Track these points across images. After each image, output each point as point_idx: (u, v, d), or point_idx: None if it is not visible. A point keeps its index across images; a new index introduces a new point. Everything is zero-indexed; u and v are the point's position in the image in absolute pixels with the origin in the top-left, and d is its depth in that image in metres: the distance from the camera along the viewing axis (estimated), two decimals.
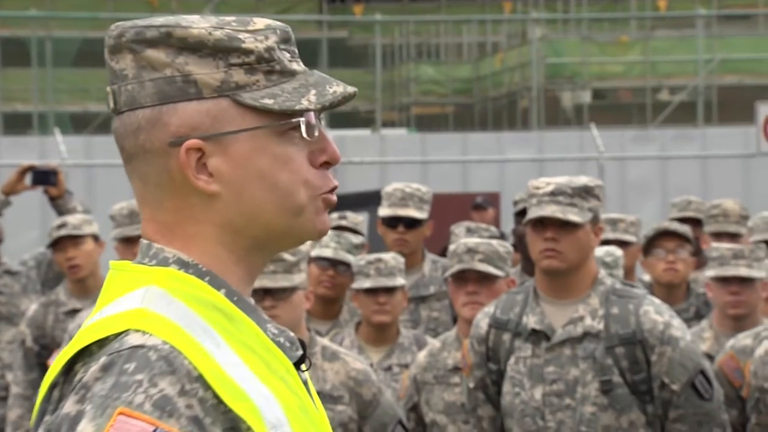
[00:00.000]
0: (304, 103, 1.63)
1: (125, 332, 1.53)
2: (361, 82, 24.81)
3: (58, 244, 6.02)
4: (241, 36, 1.64)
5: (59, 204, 6.73)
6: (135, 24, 1.65)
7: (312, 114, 1.66)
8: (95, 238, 6.00)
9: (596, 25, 25.95)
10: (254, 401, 1.55)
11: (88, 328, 1.58)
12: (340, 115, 23.35)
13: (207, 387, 1.52)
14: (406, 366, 5.13)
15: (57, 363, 1.56)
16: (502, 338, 4.17)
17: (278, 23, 1.70)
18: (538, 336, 4.10)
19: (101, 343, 1.54)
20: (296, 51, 1.71)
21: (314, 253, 5.59)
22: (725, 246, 5.45)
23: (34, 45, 21.15)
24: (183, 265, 1.62)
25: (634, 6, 26.58)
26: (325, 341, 4.55)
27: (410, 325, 5.81)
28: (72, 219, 6.12)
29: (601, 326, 4.04)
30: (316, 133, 1.66)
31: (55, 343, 5.58)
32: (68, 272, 6.01)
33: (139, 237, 5.43)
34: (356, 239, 5.87)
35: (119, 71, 1.64)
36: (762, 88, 21.80)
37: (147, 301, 1.58)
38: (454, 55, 26.79)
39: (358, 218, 6.81)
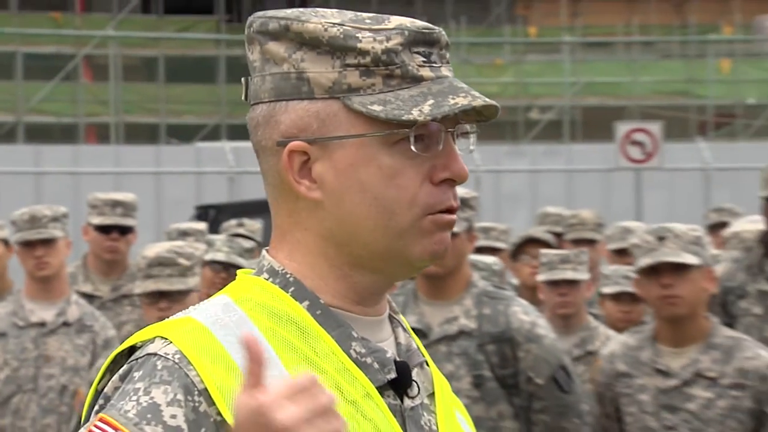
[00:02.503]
0: (414, 114, 1.40)
1: (152, 339, 1.41)
2: None
3: None
4: (360, 35, 1.42)
5: None
6: (264, 14, 1.47)
7: (435, 125, 1.42)
8: (5, 242, 5.89)
9: (474, 49, 26.14)
10: None
11: (137, 333, 1.47)
12: (239, 127, 23.19)
13: (212, 402, 1.37)
14: None
15: (104, 367, 1.46)
16: None
17: (418, 23, 1.46)
18: (416, 334, 4.11)
19: (134, 350, 1.43)
20: (442, 55, 1.46)
21: (208, 257, 5.55)
22: (553, 252, 5.53)
23: None
24: (273, 273, 1.46)
25: (508, 32, 26.86)
26: None
27: None
28: None
29: (474, 325, 4.06)
30: (440, 148, 1.43)
31: None
32: None
33: (40, 241, 5.27)
34: (247, 244, 5.86)
35: (252, 62, 1.48)
36: (620, 108, 22.13)
37: (200, 310, 1.44)
38: None
39: (255, 225, 6.80)
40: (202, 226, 7.28)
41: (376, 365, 1.42)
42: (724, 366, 3.89)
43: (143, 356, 1.39)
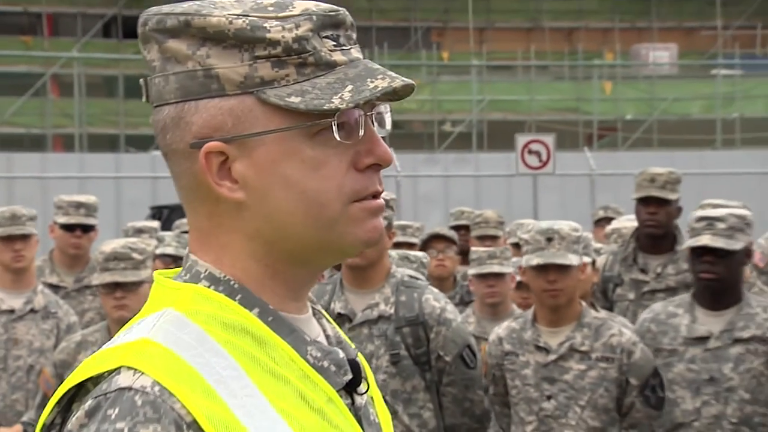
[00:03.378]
0: (335, 102, 1.18)
1: (117, 370, 1.14)
2: None
3: None
4: (267, 24, 1.19)
5: None
6: (159, 11, 1.21)
7: (355, 111, 1.21)
8: None
9: (394, 70, 25.58)
10: None
11: (88, 360, 1.18)
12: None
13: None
14: None
15: (53, 399, 1.17)
16: None
17: (323, 5, 1.23)
18: (342, 318, 4.09)
19: (96, 380, 1.15)
20: (349, 36, 1.24)
21: (159, 251, 5.51)
22: (482, 249, 5.56)
23: None
24: (214, 281, 1.21)
25: (424, 56, 26.96)
26: None
27: None
28: None
29: (392, 311, 4.05)
30: (362, 133, 1.22)
31: None
32: None
33: (19, 236, 5.13)
34: None
35: (150, 62, 1.22)
36: (520, 123, 22.28)
37: (156, 330, 1.17)
38: None
39: None
40: (156, 224, 7.24)
41: (332, 368, 1.23)
42: (594, 342, 3.92)
43: (114, 391, 1.12)
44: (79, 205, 5.72)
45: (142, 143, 22.07)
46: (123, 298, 4.17)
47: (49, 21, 27.14)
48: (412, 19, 29.72)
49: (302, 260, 1.24)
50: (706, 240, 4.00)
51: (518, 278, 5.32)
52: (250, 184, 1.20)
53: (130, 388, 1.12)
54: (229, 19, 1.19)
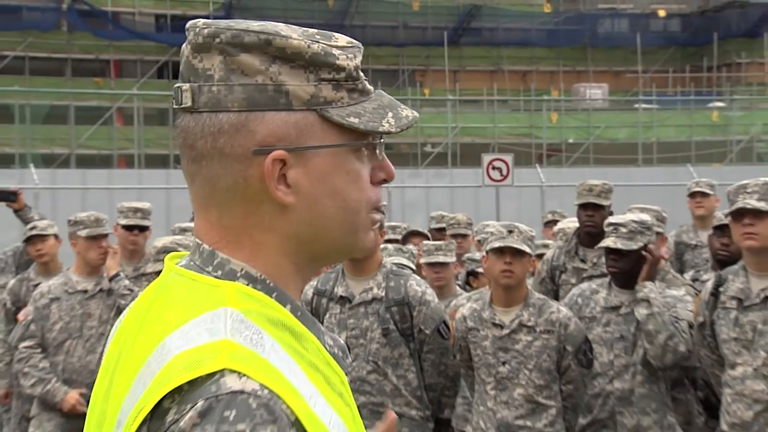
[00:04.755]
0: (386, 125, 1.11)
1: (220, 372, 0.96)
2: None
3: (30, 240, 5.84)
4: (335, 52, 1.09)
5: (20, 215, 6.48)
6: (230, 26, 1.08)
7: (379, 135, 1.14)
8: (56, 236, 5.84)
9: None
10: None
11: (176, 359, 0.98)
12: None
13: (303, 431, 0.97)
14: None
15: (147, 399, 0.97)
16: (321, 301, 4.14)
17: (357, 42, 1.14)
18: (343, 300, 4.09)
19: (192, 383, 0.96)
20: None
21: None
22: (431, 242, 5.46)
23: (17, 108, 20.33)
24: (251, 280, 1.08)
25: (410, 92, 26.98)
26: None
27: None
28: (40, 223, 5.92)
29: (383, 294, 4.04)
30: (382, 152, 1.16)
31: (25, 304, 5.39)
32: (37, 259, 5.83)
33: (103, 235, 5.04)
34: None
35: (202, 70, 1.08)
36: (486, 144, 22.30)
37: (232, 331, 1.00)
38: None
39: None
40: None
41: (341, 354, 1.12)
42: (538, 318, 3.92)
43: (226, 394, 0.94)
44: (136, 210, 5.71)
45: None
46: None
47: (115, 66, 27.20)
48: (400, 63, 29.79)
49: (323, 259, 1.14)
50: (609, 242, 4.06)
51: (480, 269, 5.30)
52: (302, 190, 1.08)
53: (242, 392, 0.95)
54: (307, 43, 1.08)
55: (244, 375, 0.96)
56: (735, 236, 3.80)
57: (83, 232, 5.04)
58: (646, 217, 4.19)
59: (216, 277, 1.07)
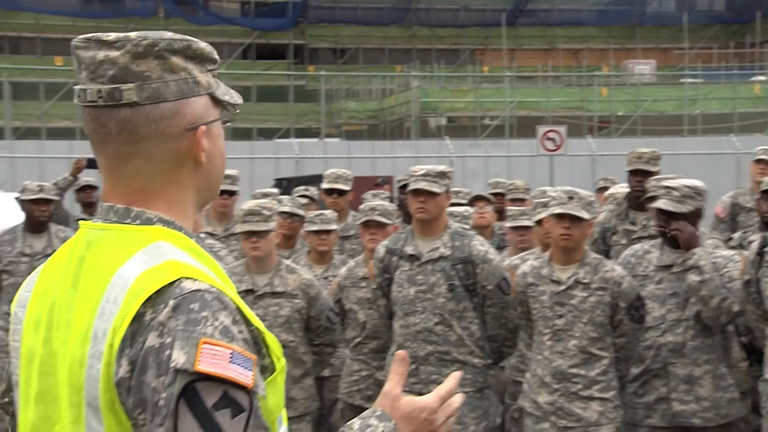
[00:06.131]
0: (236, 98, 1.32)
1: (179, 280, 1.15)
2: (313, 111, 24.60)
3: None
4: (212, 50, 1.32)
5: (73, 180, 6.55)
6: (162, 36, 1.26)
7: None
8: None
9: (448, 79, 25.99)
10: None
11: (140, 279, 1.16)
12: (302, 129, 23.15)
13: (244, 316, 1.17)
14: (335, 276, 5.00)
15: (128, 308, 1.14)
16: (392, 259, 4.13)
17: None
18: (412, 258, 4.07)
19: (158, 292, 1.15)
20: None
21: (280, 209, 5.49)
22: (515, 208, 5.48)
23: None
24: (165, 222, 1.24)
25: (470, 70, 26.73)
26: (287, 261, 4.46)
27: (339, 252, 5.72)
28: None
29: (449, 252, 4.02)
30: None
31: None
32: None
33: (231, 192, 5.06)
34: (303, 201, 5.77)
35: (140, 73, 1.23)
36: (540, 117, 21.99)
37: (173, 254, 1.19)
38: (367, 95, 26.69)
39: (314, 190, 6.77)
40: (276, 191, 7.26)
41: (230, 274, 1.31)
42: (593, 276, 3.85)
43: (188, 293, 1.14)
44: (226, 177, 5.75)
45: (268, 134, 22.22)
46: (256, 242, 4.17)
47: None
48: (462, 44, 29.48)
49: (205, 204, 1.32)
50: (660, 203, 3.96)
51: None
52: (208, 152, 1.27)
53: (199, 290, 1.14)
54: (203, 45, 1.29)
55: (196, 279, 1.15)
56: None
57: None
58: (698, 182, 4.06)
59: (136, 224, 1.24)
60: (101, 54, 1.24)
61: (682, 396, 3.96)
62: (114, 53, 1.24)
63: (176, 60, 1.25)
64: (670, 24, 29.40)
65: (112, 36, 1.25)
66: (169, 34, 1.28)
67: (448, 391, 1.31)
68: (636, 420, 4.03)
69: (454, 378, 1.34)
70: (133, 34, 1.26)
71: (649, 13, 30.22)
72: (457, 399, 1.32)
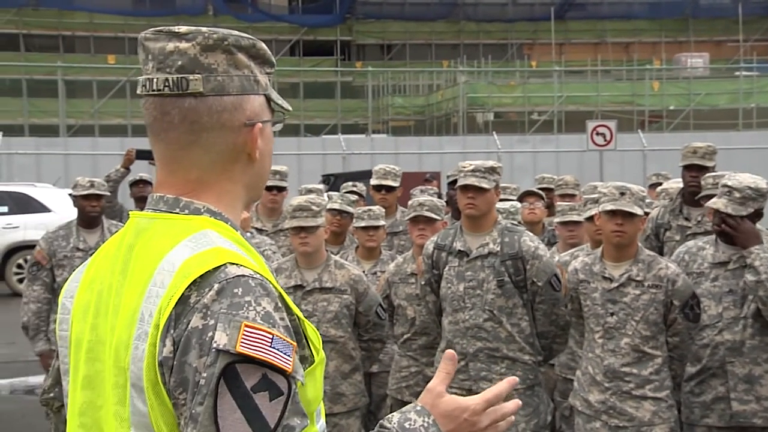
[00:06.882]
0: (288, 106, 1.37)
1: (224, 265, 1.18)
2: (360, 107, 24.66)
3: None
4: (270, 54, 1.36)
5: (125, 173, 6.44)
6: (230, 33, 1.30)
7: None
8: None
9: (495, 74, 25.86)
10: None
11: (186, 264, 1.19)
12: (349, 125, 23.23)
13: (285, 304, 1.20)
14: (383, 272, 4.98)
15: (174, 289, 1.17)
16: (441, 255, 4.10)
17: None
18: (461, 254, 4.04)
19: (203, 276, 1.17)
20: None
21: (328, 206, 5.49)
22: (564, 203, 5.43)
23: None
24: (213, 213, 1.27)
25: (518, 65, 26.55)
26: (336, 257, 4.45)
27: (387, 248, 5.71)
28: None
29: (498, 248, 3.98)
30: None
31: None
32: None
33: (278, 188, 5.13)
34: (352, 197, 5.78)
35: (207, 65, 1.27)
36: (589, 112, 21.78)
37: (219, 242, 1.22)
38: (414, 91, 26.68)
39: (362, 186, 6.77)
40: (321, 186, 7.30)
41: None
42: (647, 273, 3.78)
43: (232, 278, 1.16)
44: (275, 173, 5.80)
45: (315, 130, 22.33)
46: (305, 237, 4.17)
47: None
48: (510, 38, 29.27)
49: (252, 202, 1.37)
50: (720, 204, 3.83)
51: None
52: (261, 150, 1.31)
53: (243, 275, 1.17)
54: (264, 48, 1.33)
55: (241, 265, 1.18)
56: None
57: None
58: (761, 182, 3.95)
59: (185, 214, 1.27)
60: (171, 45, 1.28)
61: (742, 396, 3.88)
62: (184, 44, 1.28)
63: (241, 57, 1.30)
64: (724, 16, 28.85)
65: (183, 28, 1.29)
66: (236, 32, 1.31)
67: (497, 395, 1.29)
68: (692, 420, 3.97)
69: (507, 383, 1.33)
70: (203, 28, 1.29)
71: (703, 4, 29.69)
72: (510, 405, 1.31)
